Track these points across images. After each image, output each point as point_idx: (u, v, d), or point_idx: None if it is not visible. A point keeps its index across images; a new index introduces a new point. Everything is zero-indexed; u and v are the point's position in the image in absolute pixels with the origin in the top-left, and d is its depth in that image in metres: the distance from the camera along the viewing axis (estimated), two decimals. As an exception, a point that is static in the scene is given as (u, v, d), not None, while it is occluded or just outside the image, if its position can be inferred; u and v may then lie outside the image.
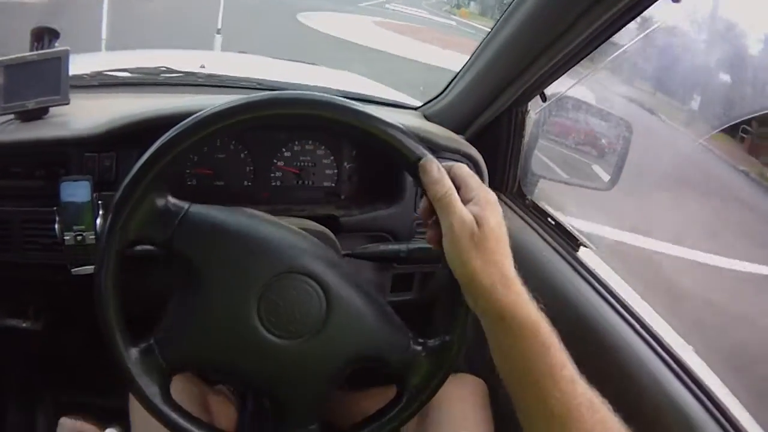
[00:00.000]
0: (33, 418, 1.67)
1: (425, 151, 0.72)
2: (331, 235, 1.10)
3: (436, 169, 0.70)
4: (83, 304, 1.38)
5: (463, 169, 0.72)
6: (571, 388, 0.65)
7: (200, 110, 0.73)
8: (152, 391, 0.75)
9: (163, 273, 1.00)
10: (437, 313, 1.46)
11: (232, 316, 0.76)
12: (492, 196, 0.69)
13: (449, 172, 0.71)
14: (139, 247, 1.06)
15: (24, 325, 1.41)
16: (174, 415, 0.76)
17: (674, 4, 0.88)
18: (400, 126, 0.72)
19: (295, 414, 0.80)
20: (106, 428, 1.60)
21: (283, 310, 0.76)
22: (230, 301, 0.76)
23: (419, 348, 0.79)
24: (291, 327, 0.76)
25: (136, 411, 1.07)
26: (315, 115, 0.73)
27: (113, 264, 0.74)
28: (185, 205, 0.77)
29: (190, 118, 0.72)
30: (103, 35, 2.76)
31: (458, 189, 0.70)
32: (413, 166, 0.71)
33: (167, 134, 0.73)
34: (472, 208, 0.67)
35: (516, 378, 0.69)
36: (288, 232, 0.83)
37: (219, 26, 2.75)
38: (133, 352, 0.75)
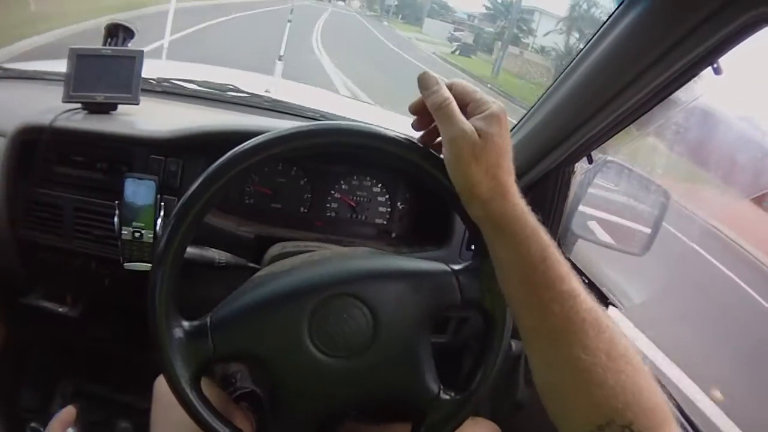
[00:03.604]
0: (49, 402, 1.69)
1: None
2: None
3: (434, 80, 0.70)
4: (123, 299, 1.42)
5: (466, 85, 0.72)
6: (571, 303, 0.63)
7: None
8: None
9: (212, 280, 1.04)
10: (467, 360, 1.49)
11: (302, 365, 0.79)
12: (498, 108, 0.69)
13: (451, 87, 0.71)
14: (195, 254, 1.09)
15: (60, 310, 1.43)
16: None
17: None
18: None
19: (418, 398, 0.83)
20: (119, 422, 1.64)
21: (335, 334, 0.78)
22: (291, 356, 0.79)
23: (465, 276, 0.82)
24: (349, 344, 0.79)
25: (158, 407, 1.07)
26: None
27: (196, 402, 0.78)
28: (206, 319, 0.79)
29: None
30: (165, 44, 2.83)
31: (467, 105, 0.70)
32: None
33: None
34: (476, 122, 0.67)
35: (516, 295, 0.68)
36: (302, 270, 0.86)
37: (281, 53, 2.80)
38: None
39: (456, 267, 0.84)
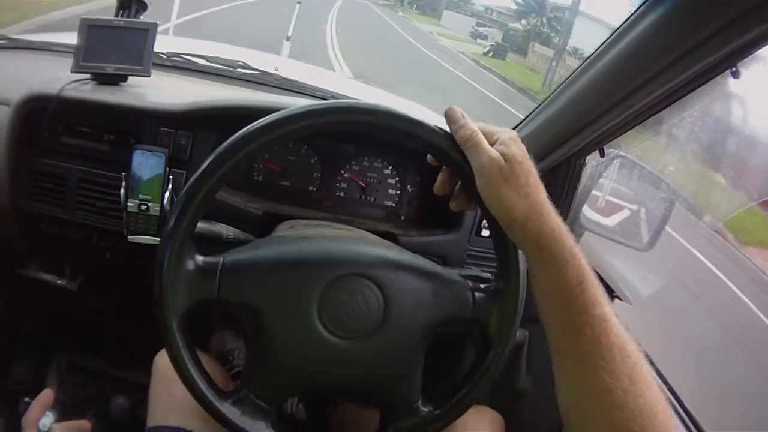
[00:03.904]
0: (42, 374, 1.68)
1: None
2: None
3: (460, 114, 0.74)
4: (124, 271, 1.41)
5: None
6: (603, 327, 0.66)
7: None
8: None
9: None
10: (467, 352, 1.48)
11: (301, 336, 0.78)
12: (514, 134, 0.73)
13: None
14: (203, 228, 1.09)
15: (59, 282, 1.42)
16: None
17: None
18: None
19: (397, 401, 0.83)
20: (115, 397, 1.64)
21: (344, 314, 0.78)
22: (293, 324, 0.78)
23: (482, 295, 0.82)
24: (356, 327, 0.78)
25: (157, 382, 1.06)
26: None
27: (179, 336, 0.77)
28: (219, 258, 0.79)
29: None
30: (173, 21, 2.81)
31: None
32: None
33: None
34: (498, 147, 0.71)
35: (552, 315, 0.70)
36: (325, 242, 0.86)
37: (289, 34, 2.78)
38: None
39: (476, 285, 0.84)
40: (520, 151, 0.71)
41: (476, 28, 36.86)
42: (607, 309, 0.67)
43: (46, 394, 0.88)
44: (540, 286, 0.71)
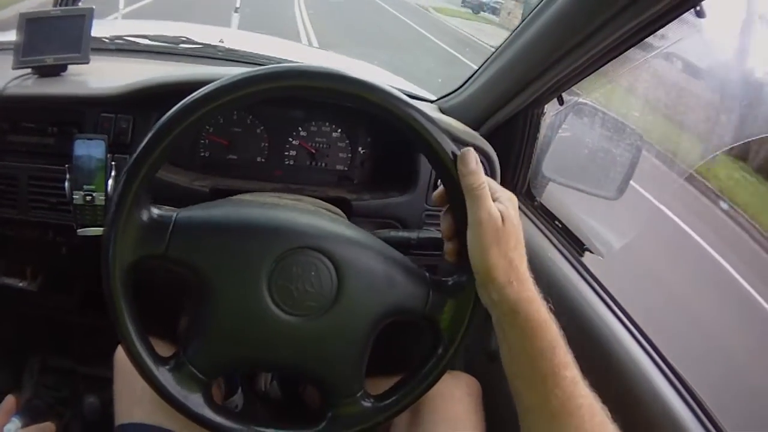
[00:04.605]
0: (18, 379, 1.66)
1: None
2: (342, 213, 1.11)
3: (474, 161, 0.73)
4: (82, 268, 1.38)
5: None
6: (572, 389, 0.68)
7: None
8: (194, 399, 0.76)
9: None
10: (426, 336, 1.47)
11: (248, 307, 0.75)
12: (513, 196, 0.75)
13: None
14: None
15: (20, 284, 1.40)
16: (220, 419, 0.76)
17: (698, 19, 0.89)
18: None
19: (339, 386, 0.80)
20: (86, 396, 1.61)
21: (295, 289, 0.75)
22: (241, 293, 0.75)
23: (439, 288, 0.81)
24: (306, 304, 0.76)
25: (120, 378, 1.06)
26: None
27: (122, 293, 0.74)
28: (172, 213, 0.76)
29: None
30: (121, 9, 2.76)
31: None
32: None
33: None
34: (498, 205, 0.72)
35: (521, 376, 0.72)
36: (284, 210, 0.84)
37: (237, 5, 2.73)
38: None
39: (435, 278, 0.82)
40: (516, 214, 0.72)
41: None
42: (576, 371, 0.69)
43: (9, 401, 0.87)
44: (510, 348, 0.72)
